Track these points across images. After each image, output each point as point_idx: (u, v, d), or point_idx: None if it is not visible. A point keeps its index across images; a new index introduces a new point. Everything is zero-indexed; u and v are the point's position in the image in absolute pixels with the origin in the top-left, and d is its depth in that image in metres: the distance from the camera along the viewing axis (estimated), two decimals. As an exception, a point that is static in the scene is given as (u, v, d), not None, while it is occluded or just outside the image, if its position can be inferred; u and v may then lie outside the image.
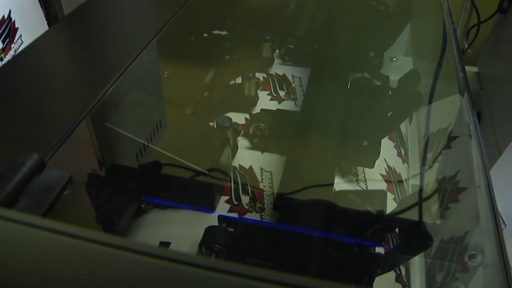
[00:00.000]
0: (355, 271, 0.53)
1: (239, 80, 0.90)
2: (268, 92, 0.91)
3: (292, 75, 0.96)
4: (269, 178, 0.71)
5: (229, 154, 0.71)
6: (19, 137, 0.49)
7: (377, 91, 0.81)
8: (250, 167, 0.73)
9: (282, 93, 0.91)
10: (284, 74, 0.96)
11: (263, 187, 0.69)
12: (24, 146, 0.48)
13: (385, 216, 0.57)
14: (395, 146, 0.83)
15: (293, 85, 0.93)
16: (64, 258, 0.26)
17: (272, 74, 0.95)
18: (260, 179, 0.71)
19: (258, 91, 0.89)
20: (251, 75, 0.83)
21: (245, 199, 0.67)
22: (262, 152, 0.76)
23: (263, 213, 0.65)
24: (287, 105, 0.88)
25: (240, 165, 0.73)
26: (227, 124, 0.70)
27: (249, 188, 0.69)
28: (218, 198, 0.66)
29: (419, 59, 1.01)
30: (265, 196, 0.68)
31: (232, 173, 0.71)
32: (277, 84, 0.93)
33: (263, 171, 0.72)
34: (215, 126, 0.72)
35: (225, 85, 0.91)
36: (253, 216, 0.65)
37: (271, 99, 0.89)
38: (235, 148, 0.75)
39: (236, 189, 0.68)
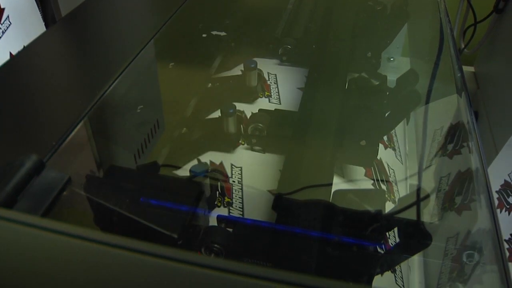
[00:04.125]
0: (354, 271, 0.53)
1: (236, 80, 0.90)
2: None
3: (268, 72, 0.96)
4: (239, 174, 0.72)
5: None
6: (18, 137, 0.49)
7: (375, 91, 0.81)
8: (221, 163, 0.73)
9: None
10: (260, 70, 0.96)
11: (232, 182, 0.70)
12: (23, 147, 0.47)
13: (383, 215, 0.57)
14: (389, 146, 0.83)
15: (268, 82, 0.94)
16: (64, 258, 0.26)
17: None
18: (230, 174, 0.71)
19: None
20: (231, 111, 0.77)
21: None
22: (261, 152, 0.76)
23: (231, 207, 0.66)
24: (261, 102, 0.88)
25: (211, 161, 0.73)
26: (202, 174, 0.67)
27: (218, 184, 0.69)
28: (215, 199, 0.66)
29: (416, 59, 1.01)
30: (233, 191, 0.69)
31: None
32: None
33: (233, 166, 0.73)
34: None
35: (222, 85, 0.91)
36: (221, 210, 0.65)
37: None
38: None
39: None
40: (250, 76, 0.86)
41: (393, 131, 0.86)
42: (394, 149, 0.83)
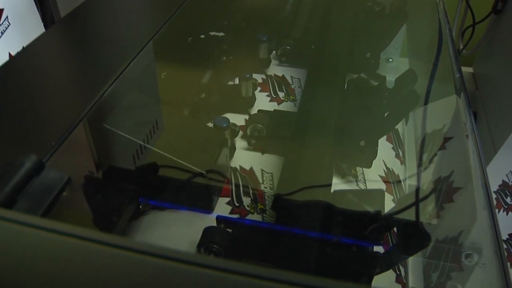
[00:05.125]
0: (353, 271, 0.53)
1: (236, 81, 0.90)
2: (267, 93, 0.91)
3: (291, 76, 0.96)
4: (270, 179, 0.71)
5: (226, 155, 0.71)
6: (17, 138, 0.49)
7: (374, 92, 0.81)
8: (251, 168, 0.73)
9: (281, 94, 0.91)
10: (283, 75, 0.96)
11: (264, 188, 0.69)
12: (23, 147, 0.47)
13: (383, 215, 0.57)
14: (393, 148, 0.83)
15: (292, 86, 0.93)
16: (64, 258, 0.26)
17: (271, 76, 0.95)
18: (261, 181, 0.71)
19: (256, 92, 0.89)
20: (248, 76, 0.83)
21: (246, 201, 0.67)
22: (260, 153, 0.76)
23: (264, 214, 0.65)
24: (286, 106, 0.88)
25: (240, 167, 0.73)
26: (224, 124, 0.70)
27: (250, 190, 0.69)
28: (216, 199, 0.66)
29: (415, 60, 1.01)
30: (266, 198, 0.68)
31: (232, 174, 0.71)
32: (276, 85, 0.93)
33: (264, 172, 0.72)
34: (212, 127, 0.72)
35: (222, 86, 0.91)
36: (254, 217, 0.65)
37: (270, 100, 0.89)
38: (232, 149, 0.75)
39: (237, 191, 0.68)
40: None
41: (405, 144, 0.85)
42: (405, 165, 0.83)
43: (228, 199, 0.67)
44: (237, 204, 0.66)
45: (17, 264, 0.26)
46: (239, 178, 0.71)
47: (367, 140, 0.70)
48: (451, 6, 1.31)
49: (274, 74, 0.96)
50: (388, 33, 1.02)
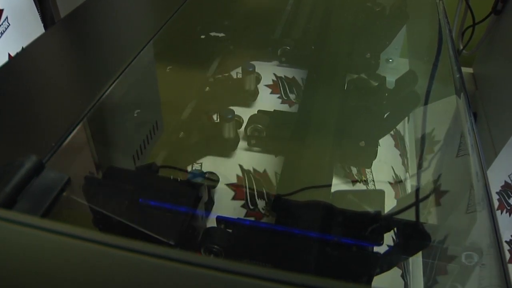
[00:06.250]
0: (353, 271, 0.53)
1: (236, 82, 0.91)
2: (278, 95, 0.91)
3: (302, 78, 0.95)
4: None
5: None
6: (17, 138, 0.49)
7: (374, 92, 0.81)
8: (265, 170, 0.73)
9: (292, 96, 0.90)
10: (293, 77, 0.95)
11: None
12: (23, 148, 0.47)
13: (383, 216, 0.57)
14: (400, 155, 0.82)
15: (303, 88, 0.93)
16: (64, 258, 0.26)
17: (281, 77, 0.95)
18: (275, 184, 0.71)
19: (268, 94, 0.90)
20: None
21: (261, 204, 0.67)
22: (261, 153, 0.76)
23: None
24: (297, 109, 0.87)
25: (254, 169, 0.73)
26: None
27: (265, 192, 0.69)
28: (213, 201, 0.66)
29: (415, 60, 1.01)
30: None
31: (246, 177, 0.71)
32: (287, 87, 0.92)
33: (277, 174, 0.72)
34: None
35: (221, 87, 0.91)
36: (270, 220, 0.65)
37: (281, 102, 0.89)
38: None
39: (252, 194, 0.68)
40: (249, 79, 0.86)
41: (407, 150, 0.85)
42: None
43: (242, 202, 0.67)
44: (251, 207, 0.66)
45: (17, 264, 0.26)
46: (253, 181, 0.71)
47: (367, 141, 0.70)
48: (451, 7, 1.31)
49: (285, 76, 0.95)
50: (388, 33, 1.02)
